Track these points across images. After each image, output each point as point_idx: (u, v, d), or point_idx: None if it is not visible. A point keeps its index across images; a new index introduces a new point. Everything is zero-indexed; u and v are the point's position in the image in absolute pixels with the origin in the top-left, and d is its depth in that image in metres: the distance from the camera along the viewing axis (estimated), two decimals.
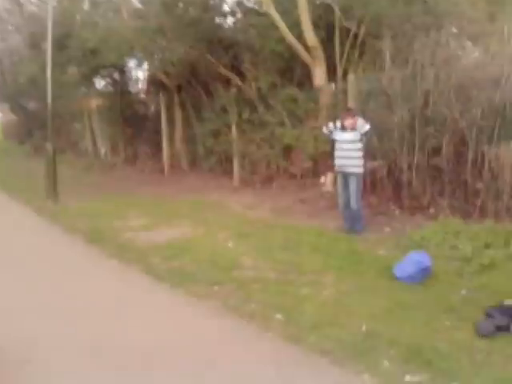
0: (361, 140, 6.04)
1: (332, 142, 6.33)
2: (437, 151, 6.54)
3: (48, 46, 9.61)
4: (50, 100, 9.57)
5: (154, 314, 4.03)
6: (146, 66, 13.81)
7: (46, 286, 4.76)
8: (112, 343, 3.50)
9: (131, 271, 5.17)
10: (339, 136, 6.22)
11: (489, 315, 3.55)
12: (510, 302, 3.69)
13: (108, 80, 15.08)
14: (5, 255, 5.83)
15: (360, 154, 6.07)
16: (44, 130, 11.46)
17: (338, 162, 6.27)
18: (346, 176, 6.19)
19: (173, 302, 4.34)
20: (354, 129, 6.09)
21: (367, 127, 6.04)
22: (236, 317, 3.93)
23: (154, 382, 3.02)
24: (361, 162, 6.08)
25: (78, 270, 5.27)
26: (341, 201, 6.32)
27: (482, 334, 3.38)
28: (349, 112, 6.29)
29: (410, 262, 4.53)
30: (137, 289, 4.70)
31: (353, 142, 6.09)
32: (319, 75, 8.84)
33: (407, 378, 2.95)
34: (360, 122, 6.09)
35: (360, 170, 6.09)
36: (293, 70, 9.63)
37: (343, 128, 6.17)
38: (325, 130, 6.45)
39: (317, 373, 3.08)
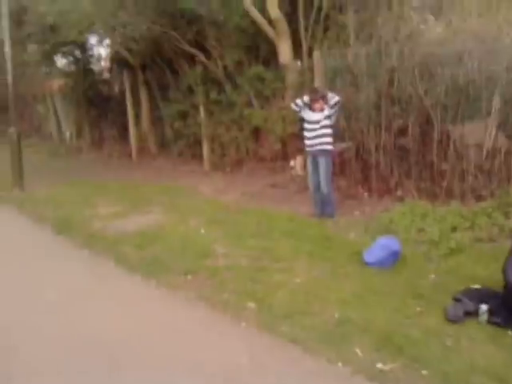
0: (329, 117, 6.04)
1: (300, 122, 6.31)
2: (403, 131, 6.59)
3: (5, 22, 9.16)
4: (10, 80, 9.17)
5: (125, 306, 4.02)
6: (108, 42, 13.46)
7: (14, 278, 4.70)
8: (80, 336, 3.48)
9: (102, 261, 5.11)
10: (307, 115, 6.20)
11: (457, 300, 3.64)
12: (478, 286, 3.80)
13: (70, 58, 14.62)
14: None
15: (329, 131, 6.08)
16: (5, 113, 11.06)
17: (307, 142, 6.26)
18: (315, 158, 6.20)
19: (145, 294, 4.31)
20: (322, 109, 6.09)
21: (337, 98, 6.01)
22: (209, 307, 3.94)
23: (122, 376, 3.00)
24: (330, 140, 6.09)
25: (47, 262, 5.19)
26: (311, 184, 6.34)
27: (451, 320, 3.46)
28: (316, 95, 6.25)
29: (379, 247, 4.60)
30: (107, 280, 4.65)
31: (321, 121, 6.09)
32: (284, 52, 8.72)
33: (379, 365, 3.01)
34: (329, 95, 6.07)
35: (329, 148, 6.09)
36: (258, 47, 9.51)
37: (311, 108, 6.16)
38: (293, 106, 6.40)
39: (290, 361, 3.12)
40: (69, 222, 6.53)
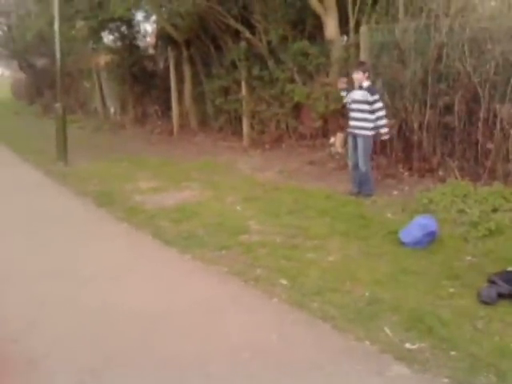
0: (371, 102, 5.93)
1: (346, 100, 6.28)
2: (449, 109, 6.41)
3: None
4: (58, 56, 9.36)
5: (160, 280, 4.09)
6: (154, 18, 13.58)
7: (56, 249, 4.85)
8: (118, 308, 3.57)
9: (140, 235, 5.23)
10: (349, 95, 6.13)
11: (492, 282, 3.56)
12: None
13: (116, 34, 14.86)
14: (15, 218, 5.92)
15: (368, 115, 5.97)
16: (53, 89, 11.38)
17: (349, 122, 6.22)
18: (355, 137, 6.12)
19: (179, 268, 4.40)
20: (362, 87, 5.98)
21: (381, 114, 5.95)
22: (241, 282, 3.98)
23: (157, 346, 3.08)
24: (369, 124, 5.98)
25: (87, 234, 5.34)
26: (350, 162, 6.29)
27: (484, 301, 3.39)
28: (359, 66, 6.14)
29: (416, 227, 4.52)
30: (145, 253, 4.76)
31: (361, 102, 5.98)
32: (331, 26, 8.54)
33: (407, 345, 2.99)
34: (365, 83, 5.96)
35: (367, 133, 6.00)
36: (304, 22, 9.36)
37: (353, 85, 6.08)
38: (340, 84, 6.35)
39: (318, 338, 3.13)
40: (110, 195, 6.71)
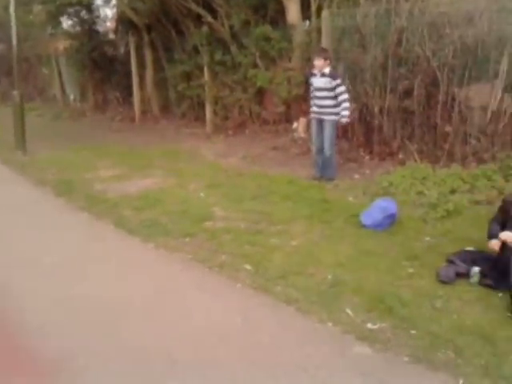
0: (334, 87, 5.95)
1: (307, 86, 6.27)
2: (408, 93, 6.50)
3: None
4: (15, 42, 9.10)
5: (123, 268, 4.06)
6: (114, 3, 13.27)
7: (16, 239, 4.75)
8: (81, 297, 3.53)
9: (102, 224, 5.15)
10: (313, 81, 6.14)
11: (450, 262, 3.65)
12: (471, 249, 3.79)
13: (75, 19, 14.44)
14: None
15: (333, 101, 5.99)
16: (10, 76, 11.03)
17: (313, 108, 6.23)
18: (320, 121, 6.15)
19: (143, 256, 4.36)
20: (324, 74, 5.99)
21: (344, 97, 5.95)
22: (206, 268, 3.98)
23: (122, 334, 3.06)
24: (334, 109, 6.01)
25: (47, 224, 5.24)
26: (314, 147, 6.31)
27: (443, 281, 3.48)
28: (320, 52, 6.16)
29: (376, 209, 4.59)
30: (106, 242, 4.70)
31: (324, 89, 6.01)
32: (293, 11, 8.53)
33: (369, 325, 3.05)
34: (327, 69, 5.98)
35: (333, 118, 6.04)
36: (266, 6, 9.28)
37: (313, 68, 6.10)
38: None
39: (282, 321, 3.16)
40: (69, 184, 6.56)
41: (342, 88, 5.98)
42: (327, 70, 5.99)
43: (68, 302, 3.46)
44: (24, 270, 4.01)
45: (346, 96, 5.98)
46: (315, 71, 6.10)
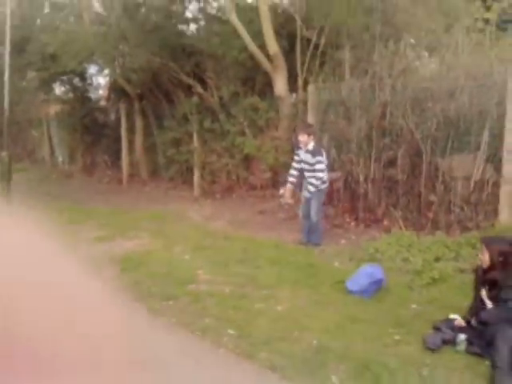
0: (313, 163, 6.03)
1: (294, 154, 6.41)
2: (392, 163, 6.66)
3: (6, 51, 9.38)
4: (7, 106, 9.32)
5: (105, 331, 3.93)
6: (107, 72, 13.64)
7: None
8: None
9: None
10: (299, 153, 6.24)
11: (437, 329, 3.62)
12: (455, 317, 3.76)
13: (68, 86, 14.79)
14: None
15: (318, 175, 6.04)
16: (0, 137, 11.14)
17: (292, 172, 6.36)
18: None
19: (125, 318, 4.24)
20: (308, 150, 6.11)
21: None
22: (189, 333, 3.88)
23: None
24: (318, 182, 6.05)
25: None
26: (301, 212, 6.36)
27: (430, 348, 3.44)
28: (304, 128, 6.31)
29: (362, 275, 4.58)
30: (86, 306, 4.57)
31: (308, 163, 6.11)
32: (280, 84, 8.85)
33: None
34: (310, 145, 6.08)
35: (316, 190, 6.08)
36: (254, 79, 9.65)
37: (298, 143, 6.24)
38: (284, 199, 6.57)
39: None
40: None
41: (322, 165, 6.04)
42: (311, 147, 6.07)
43: None
44: None
45: (320, 172, 6.02)
46: (301, 145, 6.22)
